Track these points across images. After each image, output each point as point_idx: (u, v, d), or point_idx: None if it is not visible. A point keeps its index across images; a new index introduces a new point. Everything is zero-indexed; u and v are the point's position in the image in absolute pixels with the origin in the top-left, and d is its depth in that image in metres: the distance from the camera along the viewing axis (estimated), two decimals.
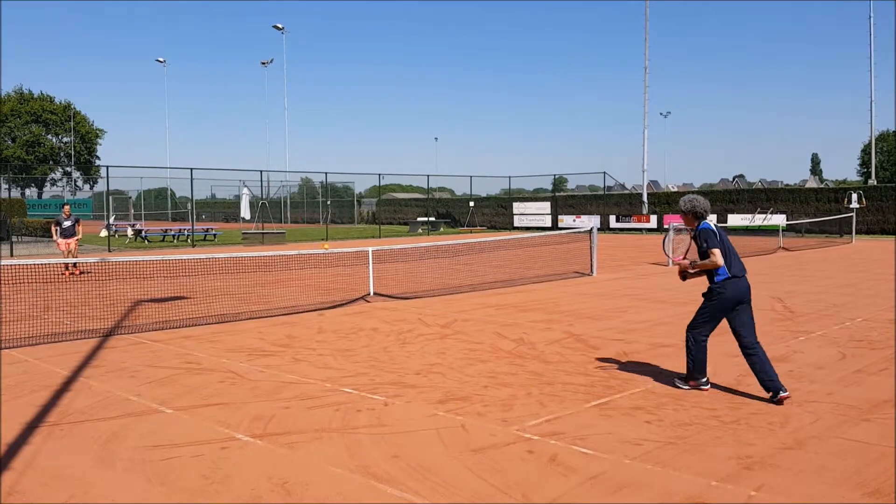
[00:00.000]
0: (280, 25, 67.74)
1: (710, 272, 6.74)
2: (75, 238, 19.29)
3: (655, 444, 5.38)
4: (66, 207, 19.75)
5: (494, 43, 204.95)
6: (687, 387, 6.95)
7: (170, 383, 7.44)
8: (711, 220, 7.08)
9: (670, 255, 8.16)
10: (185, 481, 4.74)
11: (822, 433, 5.63)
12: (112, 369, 8.12)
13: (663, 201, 45.34)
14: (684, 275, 7.07)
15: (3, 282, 16.91)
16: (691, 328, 6.97)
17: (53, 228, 19.38)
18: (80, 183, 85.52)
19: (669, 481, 4.64)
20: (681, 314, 11.59)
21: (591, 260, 18.15)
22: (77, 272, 18.99)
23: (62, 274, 18.61)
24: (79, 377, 7.75)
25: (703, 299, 6.91)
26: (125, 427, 5.95)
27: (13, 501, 4.46)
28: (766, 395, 6.54)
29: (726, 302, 6.67)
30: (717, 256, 6.60)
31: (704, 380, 6.95)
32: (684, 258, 7.13)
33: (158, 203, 70.79)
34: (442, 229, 49.15)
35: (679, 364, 7.97)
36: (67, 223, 19.18)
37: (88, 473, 4.92)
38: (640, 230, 43.89)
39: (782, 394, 6.42)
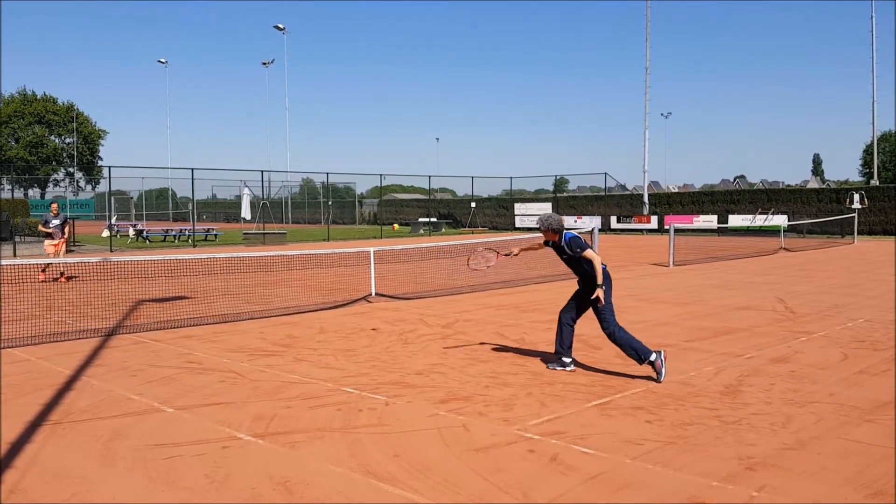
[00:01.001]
0: (281, 26, 67.85)
1: (591, 272, 7.49)
2: (63, 239, 18.12)
3: (656, 443, 5.38)
4: (55, 206, 18.58)
5: (496, 44, 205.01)
6: (655, 371, 7.34)
7: (171, 382, 7.45)
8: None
9: (476, 268, 9.00)
10: (187, 480, 4.75)
11: (824, 434, 5.63)
12: (114, 368, 8.13)
13: (664, 202, 45.35)
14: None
15: (5, 281, 16.94)
16: (613, 325, 7.50)
17: (41, 228, 18.12)
18: (82, 183, 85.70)
19: (670, 481, 4.64)
20: (681, 314, 11.59)
21: None
22: (63, 279, 17.61)
23: (43, 278, 17.56)
24: (81, 376, 7.76)
25: (586, 295, 7.61)
26: (127, 426, 5.96)
27: (16, 499, 4.46)
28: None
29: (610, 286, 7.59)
30: (590, 253, 7.42)
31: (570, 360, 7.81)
32: (497, 256, 8.63)
33: (160, 203, 70.89)
34: (443, 230, 49.15)
35: (680, 364, 7.98)
36: (55, 222, 17.91)
37: (90, 472, 4.93)
38: (640, 231, 43.89)
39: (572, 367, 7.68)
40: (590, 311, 7.67)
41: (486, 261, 8.67)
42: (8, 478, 4.82)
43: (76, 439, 5.64)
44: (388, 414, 6.24)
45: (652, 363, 7.24)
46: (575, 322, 7.81)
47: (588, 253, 7.43)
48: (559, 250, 7.73)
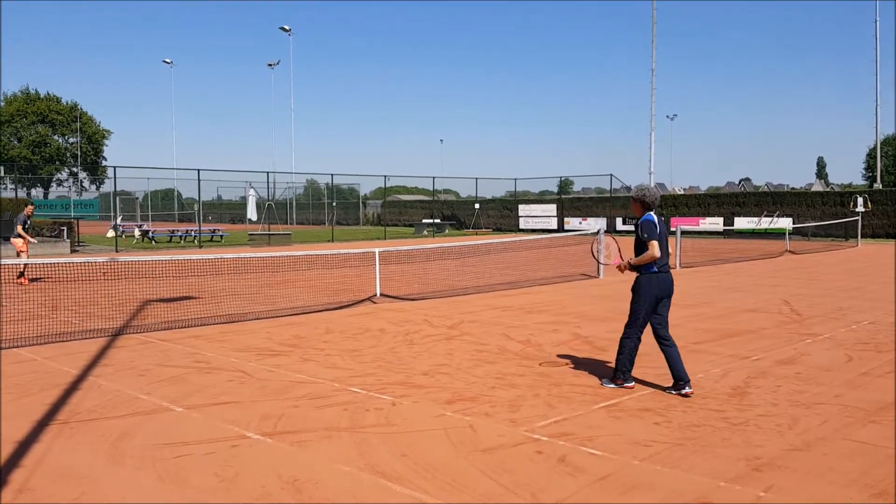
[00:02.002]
0: (287, 27, 68.02)
1: (643, 266, 6.95)
2: (28, 241, 17.85)
3: (664, 445, 5.39)
4: (30, 208, 18.56)
5: (501, 45, 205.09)
6: (612, 385, 7.10)
7: (179, 382, 7.48)
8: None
9: (601, 261, 8.48)
10: (197, 479, 4.77)
11: (830, 435, 5.64)
12: (121, 368, 8.15)
13: (670, 204, 45.31)
14: (629, 265, 7.16)
15: (11, 281, 16.99)
16: (627, 327, 7.10)
17: (21, 230, 17.69)
18: (86, 183, 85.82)
19: (678, 482, 4.65)
20: (688, 316, 11.59)
21: (598, 262, 18.14)
22: (25, 281, 17.27)
23: (25, 282, 17.22)
24: (88, 376, 7.79)
25: (632, 295, 7.08)
26: (135, 425, 5.98)
27: (24, 499, 4.49)
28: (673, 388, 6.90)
29: (651, 296, 6.91)
30: (654, 248, 6.76)
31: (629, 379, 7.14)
32: (619, 258, 7.50)
33: (165, 204, 70.98)
34: (447, 231, 49.17)
35: (687, 366, 7.97)
36: (28, 223, 17.86)
37: (98, 471, 4.95)
38: None
39: (686, 390, 6.76)
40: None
41: (607, 252, 8.02)
42: (16, 477, 4.84)
43: (84, 439, 5.66)
44: (395, 414, 6.25)
45: (613, 383, 7.10)
46: (658, 332, 7.01)
47: (651, 244, 6.78)
48: (635, 229, 7.10)
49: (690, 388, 6.80)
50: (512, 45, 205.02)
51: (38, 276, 18.21)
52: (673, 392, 6.84)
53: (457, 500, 4.38)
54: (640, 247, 6.92)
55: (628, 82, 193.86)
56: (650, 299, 6.91)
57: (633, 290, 7.04)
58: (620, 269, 7.26)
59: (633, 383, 7.09)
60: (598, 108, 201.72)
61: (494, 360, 8.40)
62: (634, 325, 7.02)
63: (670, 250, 7.11)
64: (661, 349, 6.97)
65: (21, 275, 17.49)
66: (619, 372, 7.09)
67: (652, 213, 7.03)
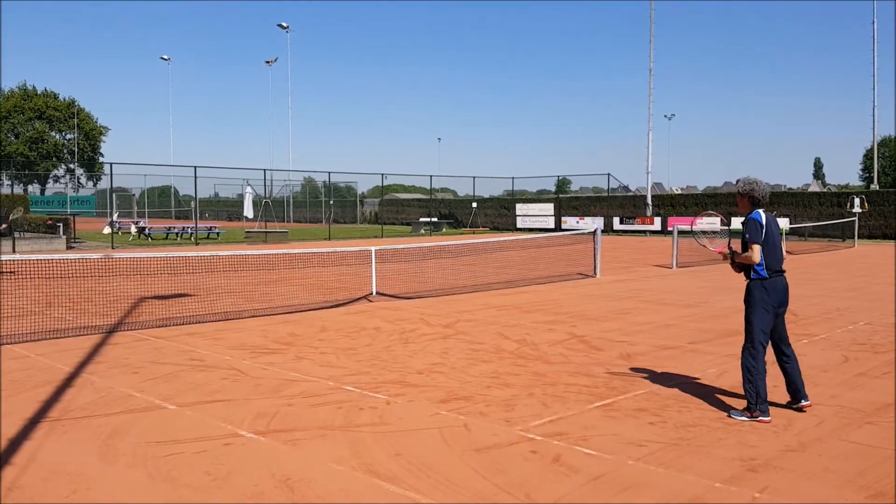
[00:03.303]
0: (285, 24, 67.89)
1: (748, 268, 6.28)
2: None
3: (659, 445, 5.37)
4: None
5: (498, 44, 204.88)
6: (744, 417, 6.08)
7: (173, 380, 7.44)
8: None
9: (703, 243, 7.35)
10: (188, 477, 4.74)
11: (826, 436, 5.62)
12: (115, 365, 8.11)
13: (667, 203, 45.32)
14: (732, 261, 6.46)
15: (5, 277, 16.92)
16: (745, 345, 6.25)
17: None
18: (83, 180, 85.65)
19: (673, 482, 4.63)
20: (684, 316, 11.57)
21: (595, 262, 18.14)
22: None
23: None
24: (81, 373, 7.75)
25: (745, 307, 6.34)
26: (128, 423, 5.95)
27: (15, 496, 4.45)
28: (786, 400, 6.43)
29: (765, 303, 6.18)
30: (756, 253, 6.10)
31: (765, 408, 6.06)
32: (725, 247, 6.56)
33: (162, 201, 70.90)
34: (444, 230, 49.15)
35: (681, 366, 7.98)
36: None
37: (90, 469, 4.91)
38: (643, 232, 43.85)
39: (804, 402, 6.22)
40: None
41: (712, 240, 7.16)
42: (7, 474, 4.81)
43: (76, 436, 5.63)
44: (389, 413, 6.22)
45: (751, 415, 6.03)
46: (779, 349, 6.33)
47: (752, 247, 6.12)
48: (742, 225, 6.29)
49: (808, 400, 6.23)
50: (510, 44, 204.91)
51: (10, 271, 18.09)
52: (793, 408, 6.26)
53: (450, 500, 4.36)
54: (745, 248, 6.23)
55: (626, 82, 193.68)
56: (764, 308, 6.17)
57: (746, 301, 6.31)
58: (724, 256, 6.51)
59: (770, 418, 6.00)
60: (596, 108, 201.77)
61: (490, 360, 8.37)
62: (752, 341, 6.16)
63: (783, 254, 6.46)
64: (780, 366, 6.30)
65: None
66: (751, 402, 6.05)
67: (761, 210, 6.25)
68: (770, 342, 6.25)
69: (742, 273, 6.40)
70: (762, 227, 6.16)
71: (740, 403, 6.48)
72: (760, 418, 5.97)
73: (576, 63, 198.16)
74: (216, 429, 5.78)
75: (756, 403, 6.00)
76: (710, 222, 7.17)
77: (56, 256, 12.94)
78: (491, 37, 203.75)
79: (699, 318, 11.37)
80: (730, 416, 6.11)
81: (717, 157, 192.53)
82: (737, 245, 6.45)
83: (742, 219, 6.40)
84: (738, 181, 6.39)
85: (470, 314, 11.88)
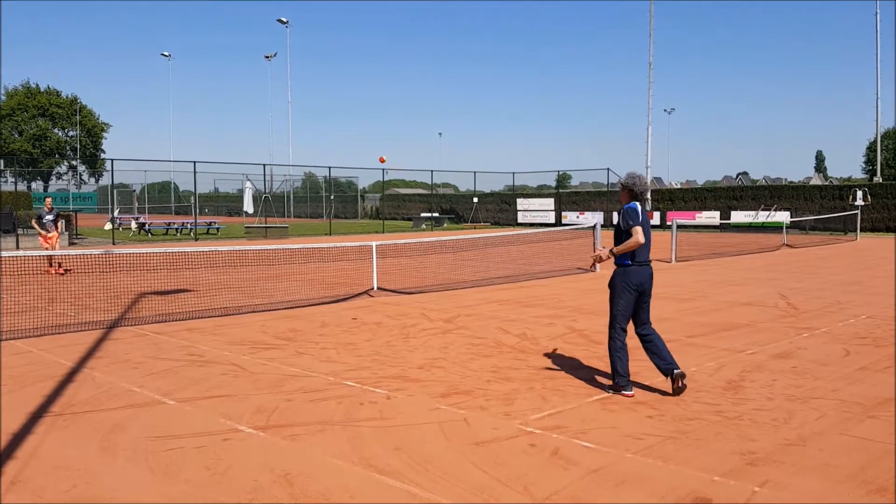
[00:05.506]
0: (284, 19, 67.79)
1: (619, 257, 6.66)
2: (56, 233, 18.34)
3: (657, 438, 5.37)
4: (48, 200, 18.74)
5: (499, 39, 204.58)
6: (611, 392, 6.66)
7: (173, 375, 7.45)
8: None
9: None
10: (188, 472, 4.75)
11: (826, 430, 5.61)
12: (115, 360, 8.12)
13: (667, 198, 45.27)
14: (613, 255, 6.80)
15: (8, 273, 16.94)
16: (610, 325, 6.75)
17: (35, 224, 18.23)
18: (85, 176, 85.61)
19: (671, 476, 4.63)
20: (683, 310, 11.57)
21: None
22: (60, 271, 17.64)
23: (45, 271, 17.56)
24: (82, 368, 7.77)
25: (609, 290, 6.81)
26: (128, 418, 5.96)
27: (17, 490, 4.46)
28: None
29: (628, 290, 6.65)
30: (639, 234, 6.47)
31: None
32: (599, 250, 7.12)
33: (162, 196, 70.90)
34: (445, 225, 49.12)
35: (679, 359, 7.96)
36: (49, 217, 18.17)
37: (91, 463, 4.93)
38: None
39: (676, 371, 6.50)
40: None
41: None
42: (9, 469, 4.82)
43: (77, 431, 5.64)
44: (390, 408, 6.23)
45: (615, 390, 6.65)
46: (643, 333, 6.77)
47: (634, 230, 6.50)
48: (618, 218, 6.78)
49: (679, 368, 6.51)
50: (510, 39, 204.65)
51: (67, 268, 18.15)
52: (672, 384, 6.53)
53: (449, 494, 4.36)
54: (622, 236, 6.64)
55: (626, 76, 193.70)
56: (628, 295, 6.65)
57: (610, 285, 6.78)
58: (601, 258, 7.00)
59: (633, 391, 6.58)
60: (596, 102, 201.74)
61: (490, 354, 8.38)
62: (614, 323, 6.70)
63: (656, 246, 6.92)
64: (644, 346, 6.72)
65: (50, 264, 17.77)
66: (616, 378, 6.66)
67: (637, 203, 6.71)
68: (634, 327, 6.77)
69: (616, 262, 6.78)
70: (639, 215, 6.58)
71: (736, 396, 6.49)
72: (623, 392, 6.59)
73: (576, 58, 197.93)
74: (216, 424, 5.79)
75: (620, 378, 6.62)
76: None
77: (58, 252, 12.92)
78: (492, 32, 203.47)
79: (698, 312, 11.37)
80: (607, 393, 6.66)
81: (717, 152, 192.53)
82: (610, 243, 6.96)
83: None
84: (623, 175, 6.90)
85: (470, 309, 11.88)
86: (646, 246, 6.66)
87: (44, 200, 19.00)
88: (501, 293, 13.91)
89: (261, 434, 5.54)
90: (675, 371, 6.51)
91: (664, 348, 6.64)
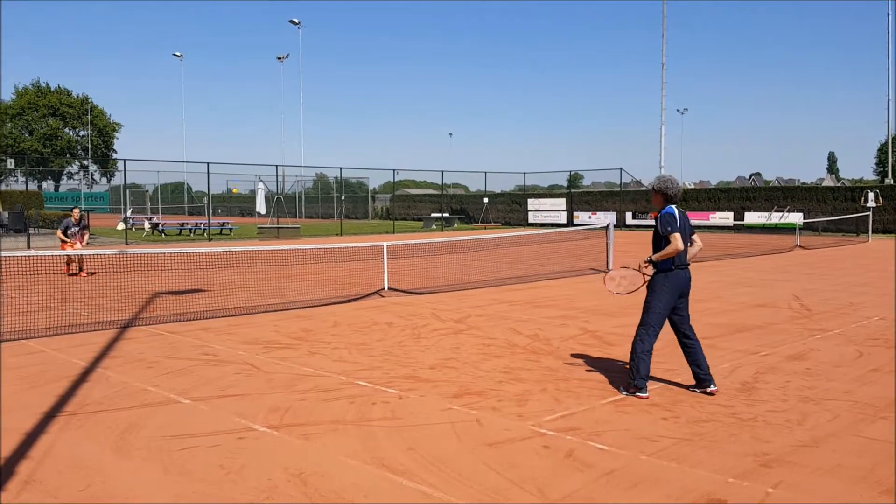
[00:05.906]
0: (296, 21, 67.94)
1: (661, 262, 6.59)
2: (81, 244, 17.67)
3: (672, 440, 5.36)
4: (76, 211, 17.96)
5: (510, 39, 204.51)
6: (626, 394, 6.62)
7: (187, 374, 7.48)
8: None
9: (621, 292, 7.48)
10: (202, 471, 4.77)
11: (839, 431, 5.59)
12: (129, 360, 8.17)
13: (680, 198, 45.09)
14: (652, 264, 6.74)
15: (20, 272, 17.04)
16: (640, 327, 6.66)
17: (60, 235, 17.58)
18: (96, 176, 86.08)
19: (686, 478, 4.62)
20: (696, 311, 11.51)
21: (608, 257, 18.08)
22: (83, 274, 17.25)
23: (68, 273, 17.28)
24: (96, 368, 7.81)
25: (647, 292, 6.72)
26: (142, 417, 5.99)
27: (32, 489, 4.50)
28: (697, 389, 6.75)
29: (669, 295, 6.56)
30: (678, 240, 6.41)
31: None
32: (637, 268, 7.08)
33: (175, 197, 71.21)
34: (456, 225, 49.13)
35: None
36: (74, 229, 17.50)
37: (105, 463, 4.96)
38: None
39: (710, 389, 6.59)
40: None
41: (622, 282, 7.38)
42: (23, 468, 4.86)
43: (91, 430, 5.68)
44: (402, 407, 6.24)
45: (630, 392, 6.57)
46: (686, 335, 6.74)
47: (673, 236, 6.42)
48: (655, 223, 6.68)
49: (715, 385, 6.63)
50: (522, 39, 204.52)
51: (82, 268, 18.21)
52: (697, 391, 6.66)
53: (463, 494, 4.37)
54: (660, 242, 6.57)
55: (639, 76, 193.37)
56: (667, 298, 6.54)
57: (649, 287, 6.68)
58: (643, 270, 6.92)
59: (648, 394, 6.53)
60: (608, 102, 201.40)
61: (502, 355, 8.38)
62: (648, 325, 6.59)
63: (692, 247, 6.77)
64: (683, 348, 6.75)
65: (80, 269, 17.41)
66: (635, 379, 6.55)
67: (673, 206, 6.66)
68: (671, 325, 6.77)
69: (656, 269, 6.71)
70: (677, 220, 6.53)
71: (750, 398, 6.47)
72: (639, 395, 6.53)
73: (589, 58, 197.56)
74: (230, 423, 5.82)
75: (639, 380, 6.55)
76: (623, 274, 7.03)
77: (69, 252, 13.02)
78: (502, 32, 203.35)
79: (712, 314, 11.33)
80: (620, 394, 6.64)
81: (730, 152, 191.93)
82: (648, 250, 6.86)
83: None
84: (654, 178, 6.80)
85: (482, 309, 11.88)
86: (685, 251, 6.62)
87: (72, 211, 18.20)
88: (513, 294, 13.91)
89: (275, 433, 5.56)
90: (710, 388, 6.61)
91: (703, 357, 6.68)
